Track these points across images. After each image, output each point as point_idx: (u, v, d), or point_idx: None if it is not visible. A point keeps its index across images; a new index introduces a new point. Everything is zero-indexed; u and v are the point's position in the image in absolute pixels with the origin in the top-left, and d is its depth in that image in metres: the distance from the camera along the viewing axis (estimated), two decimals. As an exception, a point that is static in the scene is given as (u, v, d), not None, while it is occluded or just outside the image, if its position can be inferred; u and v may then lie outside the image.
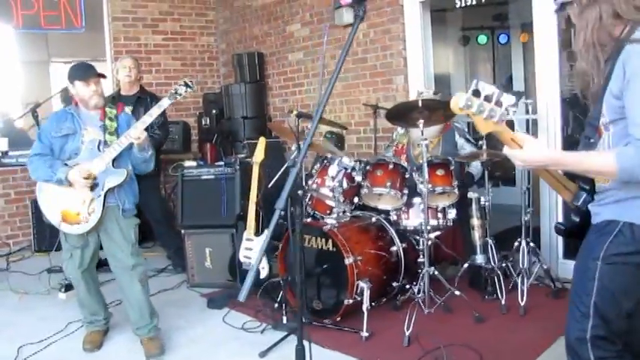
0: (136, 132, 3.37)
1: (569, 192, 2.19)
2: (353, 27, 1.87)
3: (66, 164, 3.44)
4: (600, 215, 2.00)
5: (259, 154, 4.38)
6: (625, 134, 1.84)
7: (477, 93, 1.81)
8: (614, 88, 1.85)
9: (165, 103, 3.52)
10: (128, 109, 4.30)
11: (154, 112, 3.48)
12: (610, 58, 1.90)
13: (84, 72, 3.55)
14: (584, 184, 2.10)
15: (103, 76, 3.65)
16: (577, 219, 2.13)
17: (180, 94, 3.55)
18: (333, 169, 4.10)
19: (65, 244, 3.60)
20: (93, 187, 3.42)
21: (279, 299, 4.01)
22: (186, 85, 3.58)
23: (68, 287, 4.67)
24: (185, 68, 7.43)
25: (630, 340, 2.06)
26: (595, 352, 1.96)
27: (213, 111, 6.87)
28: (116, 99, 4.93)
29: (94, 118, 3.57)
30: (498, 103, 1.83)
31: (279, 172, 4.61)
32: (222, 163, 5.07)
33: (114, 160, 3.45)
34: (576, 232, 2.13)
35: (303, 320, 3.70)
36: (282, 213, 1.79)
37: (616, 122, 1.89)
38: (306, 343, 2.24)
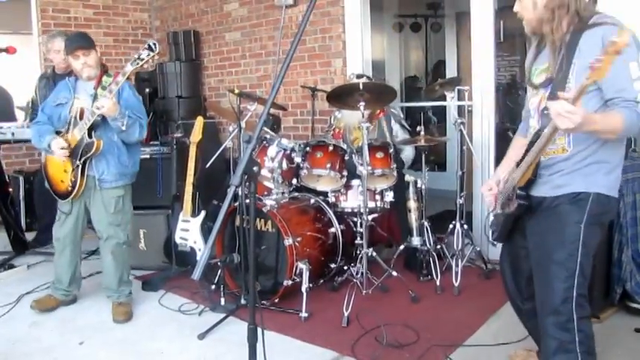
0: (101, 101, 3.35)
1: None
2: (309, 6, 1.86)
3: (58, 132, 3.58)
4: (569, 186, 2.16)
5: (197, 134, 4.31)
6: (589, 106, 1.99)
7: None
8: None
9: (128, 69, 3.39)
10: None
11: (119, 79, 3.39)
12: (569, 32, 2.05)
13: (69, 46, 3.61)
14: None
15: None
16: (524, 193, 2.27)
17: (142, 59, 3.37)
18: (272, 150, 4.06)
19: (58, 209, 3.79)
20: (73, 157, 3.52)
21: (216, 281, 3.98)
22: (150, 48, 3.37)
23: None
24: (117, 44, 7.11)
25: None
26: (578, 311, 2.14)
27: (147, 90, 6.66)
28: (50, 79, 4.73)
29: (89, 87, 3.60)
30: None
31: (217, 153, 4.54)
32: (157, 142, 4.96)
33: (98, 130, 3.52)
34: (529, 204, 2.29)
35: (243, 302, 3.75)
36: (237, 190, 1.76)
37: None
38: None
